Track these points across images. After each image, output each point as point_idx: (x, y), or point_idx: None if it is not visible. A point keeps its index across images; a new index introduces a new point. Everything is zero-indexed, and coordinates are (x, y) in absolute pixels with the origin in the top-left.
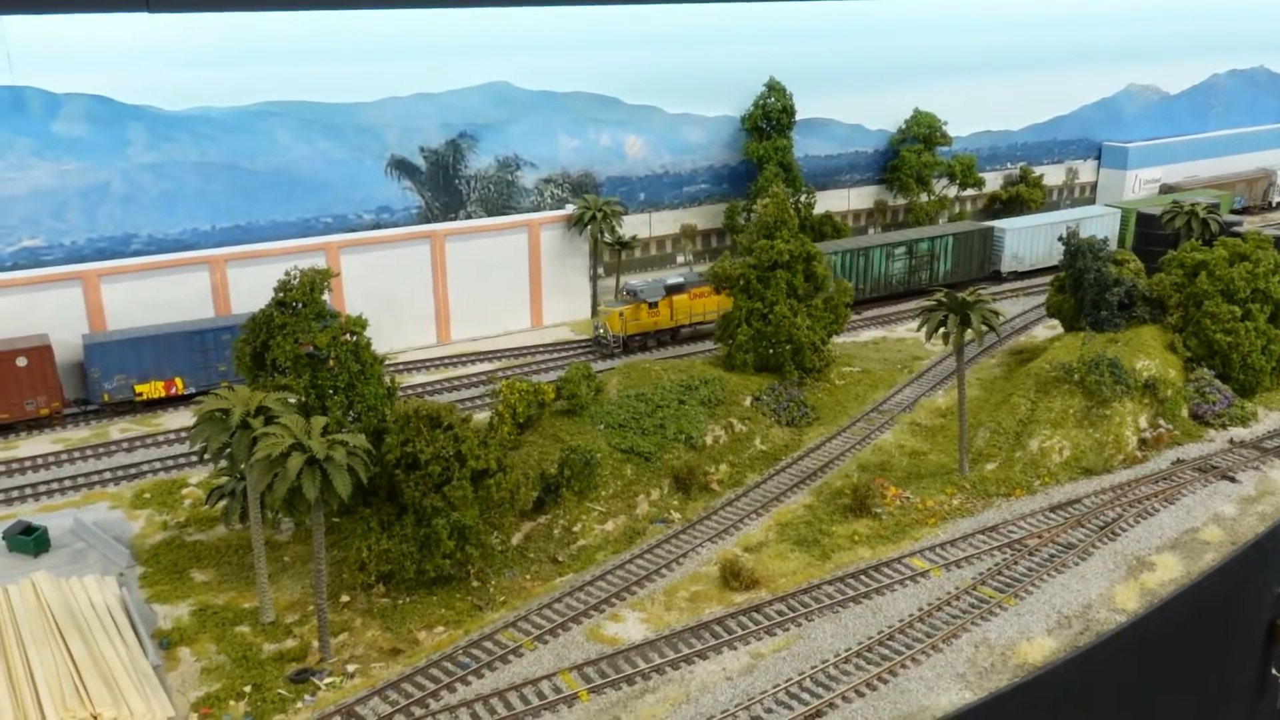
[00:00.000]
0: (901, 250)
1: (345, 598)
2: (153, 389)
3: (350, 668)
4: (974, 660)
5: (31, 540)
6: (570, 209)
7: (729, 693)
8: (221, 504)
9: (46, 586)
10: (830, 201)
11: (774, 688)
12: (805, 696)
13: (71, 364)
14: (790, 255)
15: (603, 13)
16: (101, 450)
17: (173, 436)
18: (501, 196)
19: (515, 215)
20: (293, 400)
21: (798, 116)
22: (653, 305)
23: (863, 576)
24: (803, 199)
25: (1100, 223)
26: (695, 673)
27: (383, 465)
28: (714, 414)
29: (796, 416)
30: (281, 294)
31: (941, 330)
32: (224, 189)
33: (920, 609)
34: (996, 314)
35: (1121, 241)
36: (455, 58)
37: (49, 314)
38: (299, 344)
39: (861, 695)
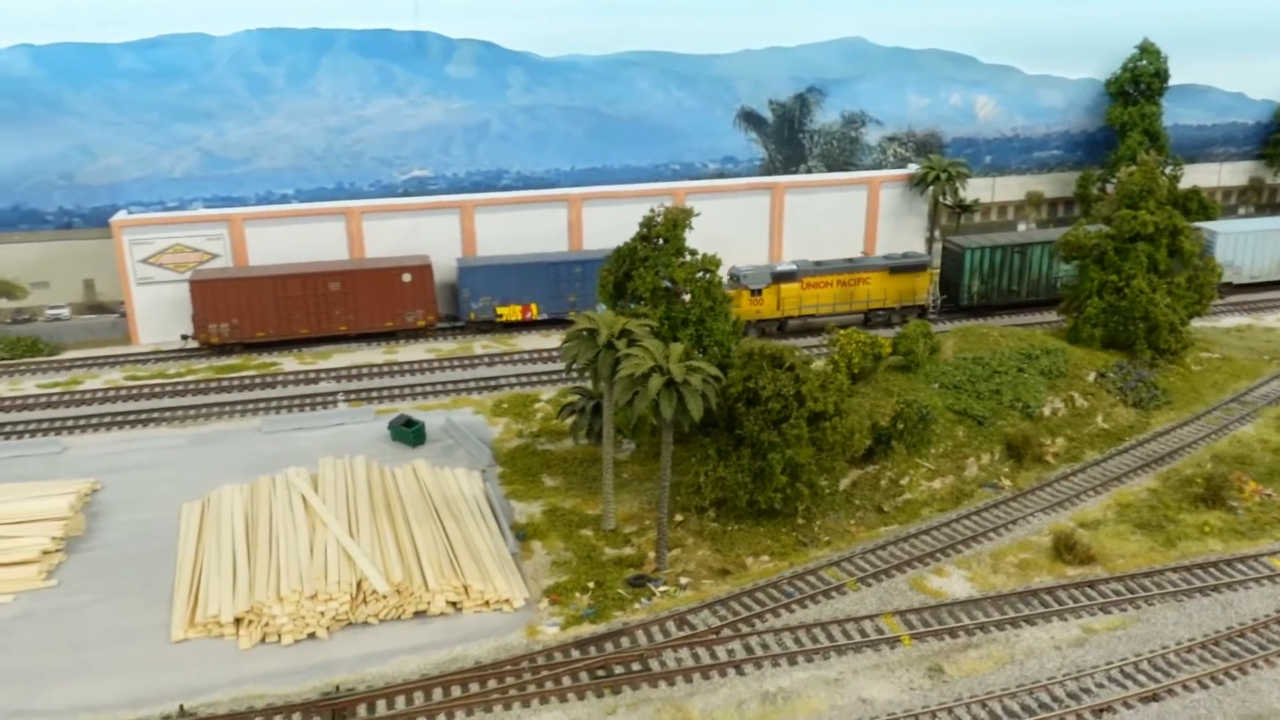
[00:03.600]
0: None
1: (679, 517)
2: (511, 312)
3: (682, 580)
4: None
5: (412, 433)
6: (913, 168)
7: (1056, 661)
8: (570, 420)
9: (425, 473)
10: (1198, 176)
11: (1106, 664)
12: (1141, 678)
13: (444, 284)
14: (1155, 227)
15: None
16: (467, 362)
17: (526, 356)
18: (844, 153)
19: (856, 172)
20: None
21: (1170, 82)
22: (756, 293)
23: (1212, 569)
24: (1168, 171)
25: None
26: (1021, 636)
27: (724, 397)
28: (1054, 385)
29: (1144, 398)
30: (646, 229)
31: None
32: (586, 132)
33: (1278, 610)
34: None
35: None
36: (813, 11)
37: (430, 237)
38: (659, 276)
39: (1205, 687)
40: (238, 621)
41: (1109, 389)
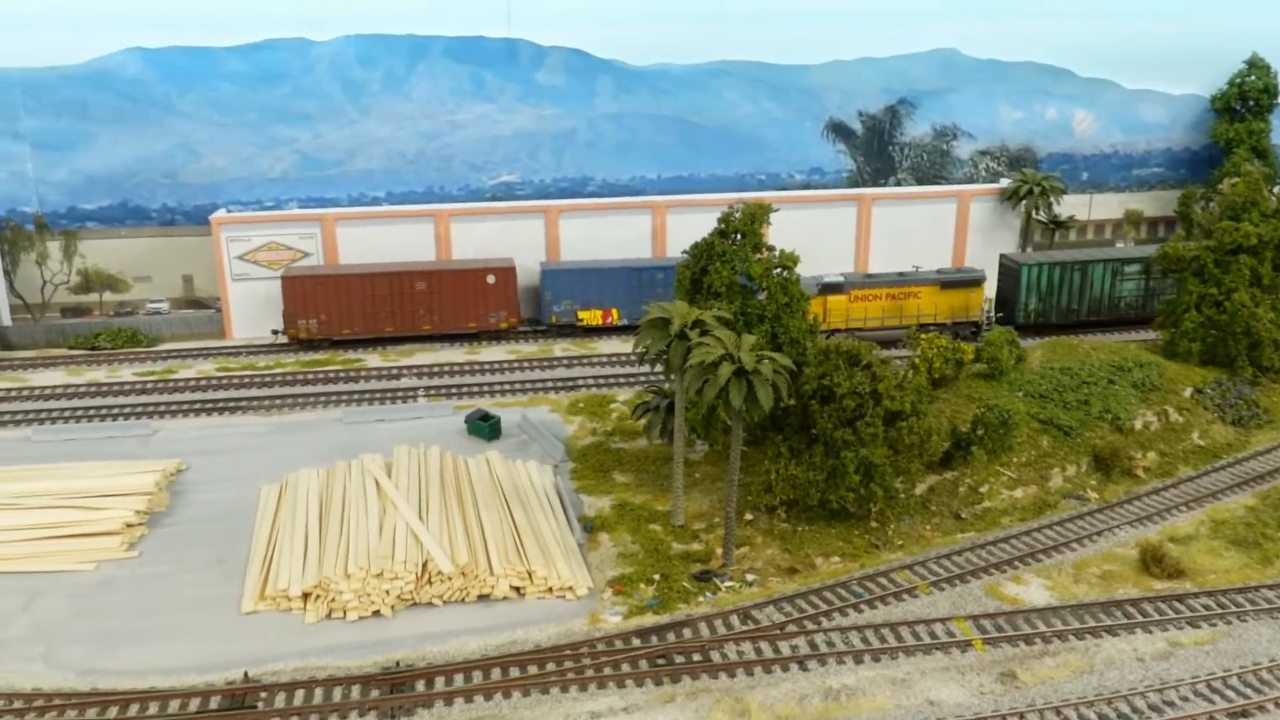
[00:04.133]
0: (1135, 268)
1: (749, 516)
2: (592, 316)
3: (749, 577)
4: None
5: (487, 426)
6: (1005, 182)
7: (1138, 673)
8: (644, 419)
9: (498, 464)
10: None
11: (1192, 678)
12: (1229, 694)
13: (527, 287)
14: (1259, 240)
15: None
16: (546, 363)
17: (605, 359)
18: (934, 166)
19: (946, 185)
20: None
21: None
22: None
23: None
24: (1277, 190)
25: None
26: (1102, 646)
27: (799, 396)
28: (1146, 399)
29: (1244, 416)
30: (723, 225)
31: None
32: (672, 141)
33: None
34: None
35: None
36: (905, 23)
37: (516, 241)
38: (734, 271)
39: None
40: (305, 596)
41: (1206, 405)
